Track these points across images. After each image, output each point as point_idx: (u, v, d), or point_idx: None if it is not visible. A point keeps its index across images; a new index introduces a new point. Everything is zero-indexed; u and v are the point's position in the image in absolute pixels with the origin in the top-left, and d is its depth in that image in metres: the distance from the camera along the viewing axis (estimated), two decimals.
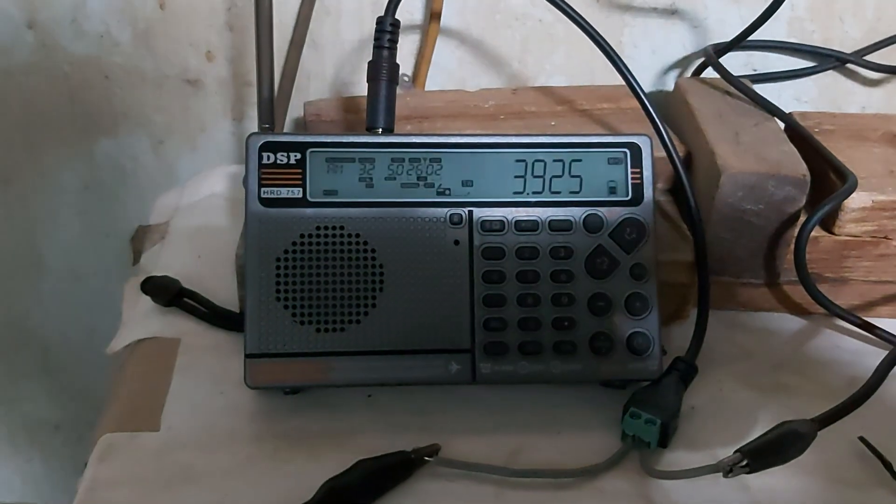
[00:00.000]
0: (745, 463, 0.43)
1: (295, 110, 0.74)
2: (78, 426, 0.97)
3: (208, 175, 0.73)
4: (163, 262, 0.64)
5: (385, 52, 0.53)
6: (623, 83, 0.58)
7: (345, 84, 0.75)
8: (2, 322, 0.88)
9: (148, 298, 0.58)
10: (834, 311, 0.58)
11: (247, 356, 0.48)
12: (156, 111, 0.76)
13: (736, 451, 0.43)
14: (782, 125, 0.63)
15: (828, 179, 0.59)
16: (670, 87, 0.72)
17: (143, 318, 0.57)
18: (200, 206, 0.70)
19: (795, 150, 0.58)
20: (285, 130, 0.73)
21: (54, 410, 0.96)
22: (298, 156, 0.49)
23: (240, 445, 0.48)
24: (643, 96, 0.57)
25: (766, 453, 0.43)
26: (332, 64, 0.74)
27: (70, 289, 0.86)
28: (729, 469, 0.43)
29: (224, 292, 0.59)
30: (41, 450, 1.00)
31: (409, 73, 0.73)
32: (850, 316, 0.58)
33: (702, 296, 0.55)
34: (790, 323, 0.61)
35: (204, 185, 0.73)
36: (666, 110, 0.66)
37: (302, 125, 0.70)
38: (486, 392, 0.51)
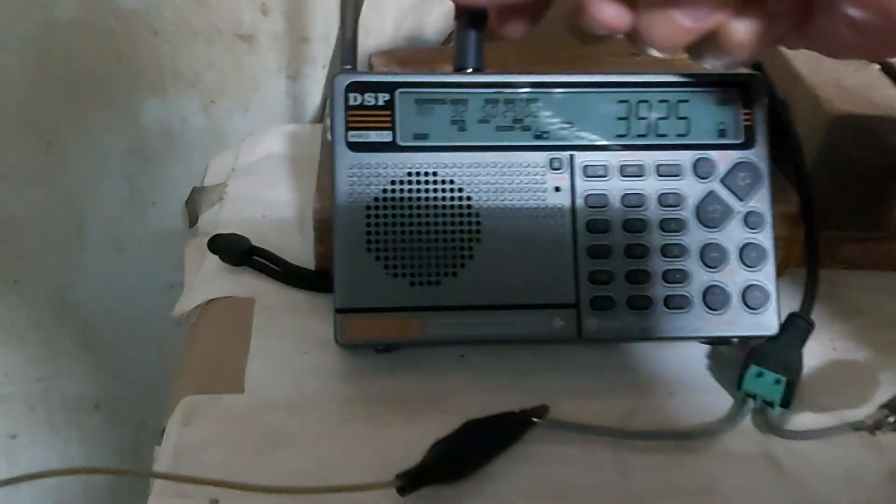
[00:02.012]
0: (893, 419, 0.39)
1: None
2: (120, 405, 0.93)
3: (263, 136, 0.70)
4: (223, 222, 0.60)
5: None
6: None
7: (406, 38, 0.71)
8: (41, 294, 0.85)
9: (215, 258, 0.55)
10: None
11: (337, 311, 0.44)
12: (207, 69, 0.72)
13: (882, 407, 0.40)
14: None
15: None
16: None
17: (211, 278, 0.54)
18: (258, 168, 0.67)
19: None
20: None
21: (94, 388, 0.92)
22: (387, 97, 0.46)
23: (331, 407, 0.44)
24: None
25: None
26: (392, 17, 0.70)
27: (113, 259, 0.83)
28: (875, 426, 0.39)
29: (294, 251, 0.55)
30: (79, 430, 0.96)
31: None
32: None
33: (811, 248, 0.52)
34: (894, 280, 0.57)
35: (259, 146, 0.69)
36: None
37: None
38: (591, 350, 0.48)
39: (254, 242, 0.56)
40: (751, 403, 0.45)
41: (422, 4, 0.70)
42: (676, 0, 0.36)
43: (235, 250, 0.54)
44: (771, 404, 0.44)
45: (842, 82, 0.55)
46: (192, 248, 0.60)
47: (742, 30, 0.37)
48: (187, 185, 0.72)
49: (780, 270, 0.55)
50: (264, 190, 0.63)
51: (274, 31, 0.71)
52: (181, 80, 0.73)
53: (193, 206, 0.66)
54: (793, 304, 0.50)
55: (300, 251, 0.55)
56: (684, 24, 0.36)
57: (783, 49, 0.59)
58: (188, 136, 0.75)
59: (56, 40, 0.71)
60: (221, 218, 0.61)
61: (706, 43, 0.38)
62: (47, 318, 0.86)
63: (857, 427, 0.40)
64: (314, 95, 0.73)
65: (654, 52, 0.39)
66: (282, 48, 0.72)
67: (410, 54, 0.63)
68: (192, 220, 0.66)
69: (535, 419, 0.43)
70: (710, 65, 0.40)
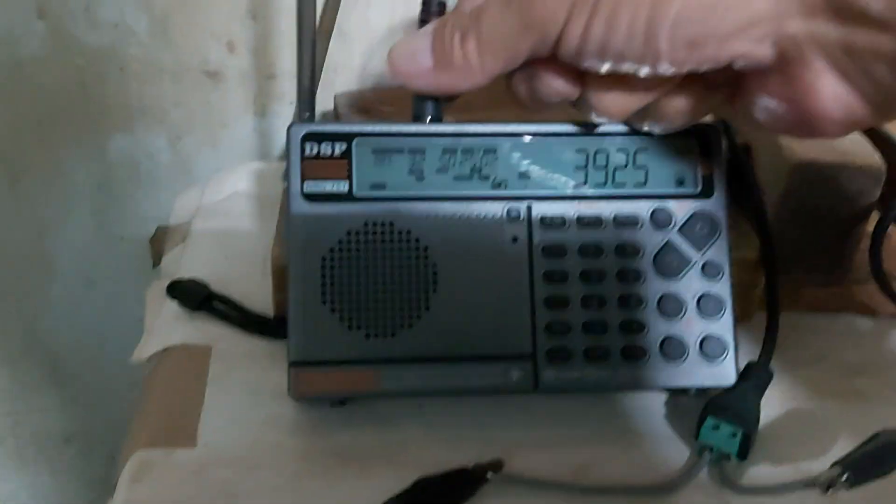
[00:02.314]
0: (845, 477, 0.39)
1: (320, 105, 0.70)
2: (90, 439, 0.93)
3: (231, 173, 0.70)
4: (186, 264, 0.60)
5: None
6: None
7: (373, 75, 0.71)
8: (9, 329, 0.84)
9: (174, 303, 0.54)
10: None
11: (291, 364, 0.44)
12: (174, 105, 0.72)
13: (835, 465, 0.40)
14: None
15: None
16: None
17: (170, 324, 0.54)
18: (224, 206, 0.66)
19: (866, 139, 0.54)
20: None
21: (65, 422, 0.92)
22: (344, 146, 0.45)
23: (285, 462, 0.44)
24: None
25: (866, 466, 0.40)
26: (361, 54, 0.70)
27: (81, 294, 0.82)
28: (828, 484, 0.39)
29: (254, 296, 0.55)
30: (50, 463, 0.95)
31: None
32: None
33: (771, 296, 0.51)
34: (858, 324, 0.58)
35: (226, 183, 0.69)
36: None
37: (331, 119, 0.66)
38: (548, 402, 0.48)
39: (215, 286, 0.55)
40: (707, 456, 0.44)
41: (389, 42, 0.70)
42: (621, 79, 0.38)
43: (194, 296, 0.54)
44: (727, 457, 0.44)
45: None
46: (153, 290, 0.59)
47: (679, 103, 0.40)
48: (155, 220, 0.72)
49: (745, 315, 0.55)
50: (229, 230, 0.63)
51: (241, 68, 0.71)
52: (148, 117, 0.73)
53: (158, 245, 0.66)
54: (754, 350, 0.50)
55: (262, 295, 0.54)
56: (627, 99, 0.39)
57: None
58: (156, 173, 0.75)
59: (23, 77, 0.70)
60: (184, 259, 0.61)
61: (646, 112, 0.41)
62: (16, 353, 0.86)
63: (810, 484, 0.40)
64: (282, 132, 0.73)
65: (598, 120, 0.42)
66: (249, 85, 0.72)
67: (376, 95, 0.63)
68: (156, 260, 0.65)
69: (488, 475, 0.42)
70: (649, 129, 0.43)
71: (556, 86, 0.40)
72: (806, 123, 0.36)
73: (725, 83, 0.38)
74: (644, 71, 0.37)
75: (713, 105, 0.40)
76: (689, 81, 0.38)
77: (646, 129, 0.44)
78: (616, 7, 0.35)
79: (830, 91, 0.34)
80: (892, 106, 0.34)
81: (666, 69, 0.36)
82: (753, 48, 0.34)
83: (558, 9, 0.36)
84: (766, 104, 0.37)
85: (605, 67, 0.37)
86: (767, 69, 0.35)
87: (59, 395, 0.90)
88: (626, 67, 0.37)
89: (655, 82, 0.38)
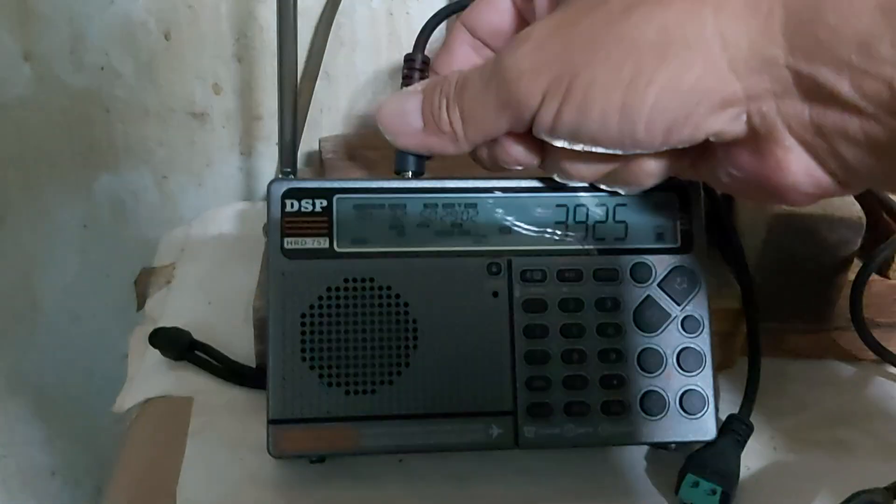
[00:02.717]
0: None
1: (306, 145, 0.70)
2: (76, 471, 0.92)
3: (216, 213, 0.70)
4: (170, 308, 0.60)
5: None
6: None
7: (359, 118, 0.71)
8: None
9: (156, 352, 0.54)
10: (889, 358, 0.55)
11: (270, 422, 0.44)
12: (159, 146, 0.72)
13: None
14: None
15: (881, 220, 0.55)
16: None
17: (151, 374, 0.53)
18: (209, 248, 0.66)
19: None
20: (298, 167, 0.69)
21: (50, 456, 0.91)
22: (325, 203, 0.45)
23: None
24: None
25: None
26: (346, 97, 0.71)
27: (67, 331, 0.82)
28: None
29: (238, 343, 0.55)
30: (36, 496, 0.95)
31: None
32: None
33: (753, 347, 0.52)
34: (839, 371, 0.58)
35: (211, 224, 0.69)
36: None
37: (315, 161, 0.66)
38: (529, 457, 0.48)
39: (198, 333, 0.55)
40: None
41: (375, 83, 0.70)
42: (579, 155, 0.39)
43: (176, 345, 0.54)
44: None
45: None
46: (136, 337, 0.59)
47: (646, 167, 0.40)
48: (140, 258, 0.72)
49: (728, 362, 0.55)
50: (213, 274, 0.63)
51: (226, 109, 0.71)
52: (133, 157, 0.73)
53: (142, 287, 0.66)
54: (736, 399, 0.50)
55: (245, 341, 0.54)
56: (593, 167, 0.40)
57: None
58: (141, 212, 0.75)
59: (8, 117, 0.70)
60: (168, 303, 0.61)
61: (612, 175, 0.41)
62: (2, 389, 0.86)
63: None
64: (268, 172, 0.73)
65: (562, 181, 0.43)
66: (234, 126, 0.72)
67: (360, 139, 0.63)
68: (140, 303, 0.65)
69: None
70: (614, 190, 0.44)
71: (516, 154, 0.41)
72: (772, 194, 0.36)
73: (693, 150, 0.38)
74: (617, 153, 0.37)
75: (680, 169, 0.41)
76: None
77: (611, 190, 0.44)
78: (588, 94, 0.35)
79: (799, 167, 0.34)
80: (858, 181, 0.35)
81: (641, 151, 0.36)
82: (727, 126, 0.35)
83: (531, 92, 0.37)
84: (733, 173, 0.37)
85: (577, 148, 0.38)
86: (736, 143, 0.36)
87: (44, 429, 0.90)
88: (599, 150, 0.37)
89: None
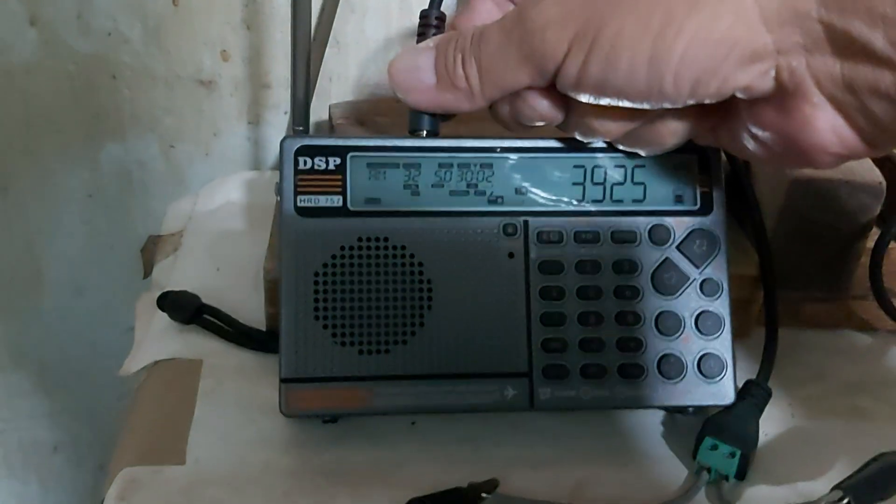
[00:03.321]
0: (846, 502, 0.38)
1: (315, 114, 0.69)
2: (78, 448, 0.92)
3: (223, 182, 0.69)
4: (177, 275, 0.59)
5: None
6: None
7: (369, 85, 0.70)
8: None
9: (164, 315, 0.54)
10: None
11: (282, 381, 0.43)
12: (166, 114, 0.71)
13: (835, 488, 0.39)
14: None
15: None
16: None
17: (159, 338, 0.53)
18: (216, 215, 0.66)
19: None
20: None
21: (53, 431, 0.91)
22: (338, 161, 0.45)
23: (275, 480, 0.43)
24: None
25: (868, 490, 0.39)
26: (356, 64, 0.70)
27: (71, 303, 0.81)
28: None
29: (247, 308, 0.54)
30: (38, 472, 0.94)
31: None
32: None
33: (770, 313, 0.51)
34: (857, 340, 0.57)
35: (219, 192, 0.68)
36: None
37: (325, 129, 0.65)
38: (544, 419, 0.47)
39: (207, 298, 0.54)
40: (705, 476, 0.44)
41: (386, 52, 0.69)
42: (604, 110, 0.38)
43: (185, 308, 0.53)
44: (725, 477, 0.43)
45: None
46: (143, 302, 0.58)
47: (669, 127, 0.40)
48: (146, 229, 0.71)
49: (744, 332, 0.55)
50: (221, 241, 0.62)
51: (235, 76, 0.70)
52: (140, 125, 0.72)
53: (149, 255, 0.65)
54: (753, 367, 0.49)
55: (254, 307, 0.54)
56: (616, 125, 0.39)
57: None
58: (147, 181, 0.74)
59: (13, 84, 0.70)
60: (175, 270, 0.60)
61: (634, 135, 0.40)
62: (5, 361, 0.85)
63: None
64: (275, 141, 0.72)
65: (583, 139, 0.42)
66: (243, 94, 0.71)
67: (371, 105, 0.62)
68: (147, 271, 0.65)
69: (483, 495, 0.41)
70: (635, 151, 0.43)
71: (541, 109, 0.39)
72: (797, 154, 0.35)
73: (717, 110, 0.37)
74: (643, 107, 0.36)
75: (701, 131, 0.40)
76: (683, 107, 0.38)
77: (632, 151, 0.43)
78: (615, 44, 0.34)
79: (826, 124, 0.34)
80: (886, 141, 0.34)
81: (667, 105, 0.36)
82: (756, 82, 0.34)
83: (557, 44, 0.36)
84: (757, 133, 0.37)
85: (603, 102, 0.37)
86: (762, 100, 0.35)
87: (47, 404, 0.89)
88: (625, 104, 0.36)
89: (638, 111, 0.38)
